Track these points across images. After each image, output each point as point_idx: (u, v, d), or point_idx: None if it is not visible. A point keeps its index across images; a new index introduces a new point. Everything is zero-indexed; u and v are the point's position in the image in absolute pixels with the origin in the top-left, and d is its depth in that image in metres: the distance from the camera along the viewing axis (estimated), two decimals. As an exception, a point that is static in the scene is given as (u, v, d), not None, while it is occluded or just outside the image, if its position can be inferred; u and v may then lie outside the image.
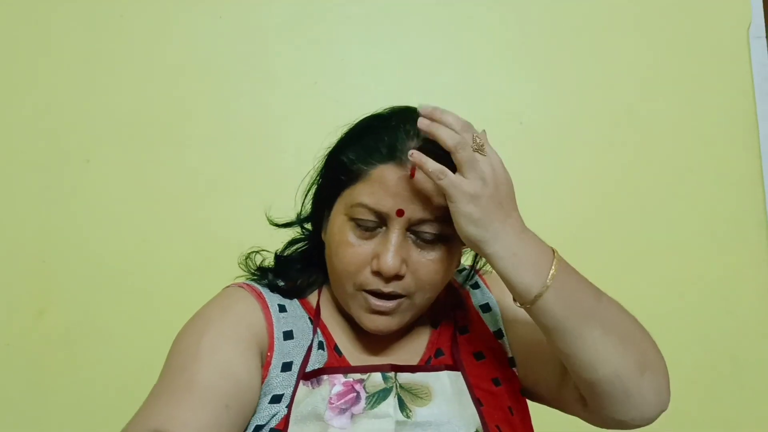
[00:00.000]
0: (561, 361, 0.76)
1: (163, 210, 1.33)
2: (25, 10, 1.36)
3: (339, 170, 0.77)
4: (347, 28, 1.40)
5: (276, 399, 0.76)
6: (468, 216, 0.70)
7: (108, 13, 1.37)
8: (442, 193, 0.71)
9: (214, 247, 1.30)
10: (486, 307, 0.88)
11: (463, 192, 0.69)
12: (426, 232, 0.75)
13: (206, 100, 1.37)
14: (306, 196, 0.85)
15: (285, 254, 0.87)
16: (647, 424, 0.76)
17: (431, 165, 0.69)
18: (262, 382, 0.77)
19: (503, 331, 0.86)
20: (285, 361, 0.78)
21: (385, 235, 0.74)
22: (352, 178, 0.76)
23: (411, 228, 0.74)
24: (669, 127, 1.42)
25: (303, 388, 0.76)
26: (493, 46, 1.43)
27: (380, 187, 0.73)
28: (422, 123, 0.71)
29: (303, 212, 0.86)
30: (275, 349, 0.78)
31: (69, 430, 1.32)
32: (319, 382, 0.76)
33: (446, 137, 0.69)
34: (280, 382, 0.77)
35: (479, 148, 0.70)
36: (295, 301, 0.84)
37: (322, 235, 0.82)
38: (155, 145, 1.35)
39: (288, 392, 0.76)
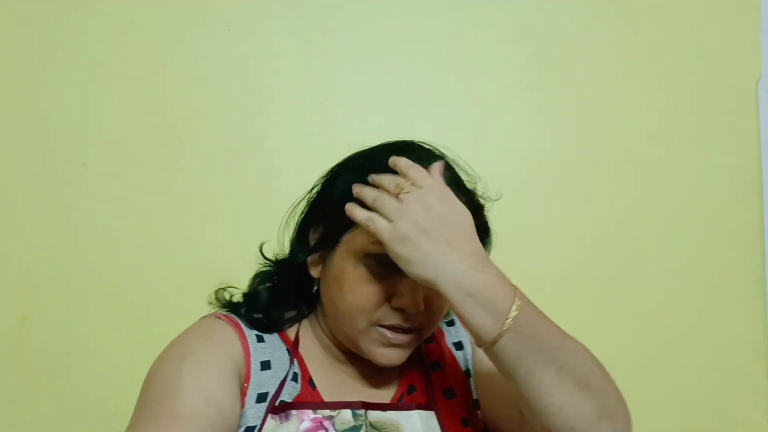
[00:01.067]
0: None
1: (157, 224, 1.31)
2: (27, 16, 1.36)
3: (343, 213, 0.76)
4: (356, 54, 1.40)
5: (250, 429, 0.74)
6: (401, 258, 0.69)
7: (114, 21, 1.36)
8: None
9: (208, 263, 1.28)
10: (459, 345, 0.89)
11: (390, 234, 0.69)
12: None
13: (207, 114, 1.36)
14: (295, 228, 0.85)
15: (254, 289, 0.87)
16: None
17: (359, 214, 0.71)
18: (240, 414, 0.76)
19: (471, 371, 0.86)
20: (260, 391, 0.77)
21: (404, 274, 0.72)
22: (352, 222, 0.75)
23: None
24: (672, 178, 1.40)
25: (271, 421, 0.75)
26: (497, 84, 1.42)
27: None
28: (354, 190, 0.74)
29: (291, 246, 0.86)
30: (252, 379, 0.77)
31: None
32: (287, 417, 0.75)
33: (366, 196, 0.72)
34: (254, 413, 0.75)
35: (400, 190, 0.70)
36: (274, 334, 0.84)
37: (313, 272, 0.82)
38: (152, 157, 1.34)
39: (259, 424, 0.75)
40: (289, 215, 0.85)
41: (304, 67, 1.39)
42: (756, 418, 1.34)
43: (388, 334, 0.75)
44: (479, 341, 0.70)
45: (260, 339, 0.82)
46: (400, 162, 0.73)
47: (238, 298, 0.87)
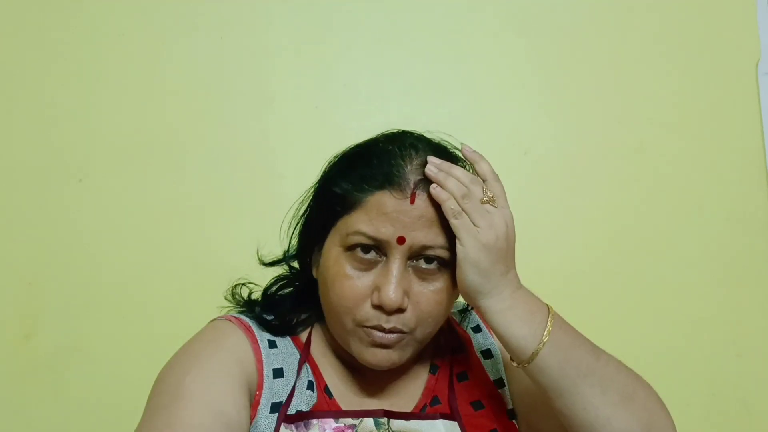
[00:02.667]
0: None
1: (157, 233, 1.29)
2: (23, 26, 1.34)
3: (332, 200, 0.74)
4: (352, 54, 1.39)
5: None
6: (476, 264, 0.69)
7: (108, 32, 1.35)
8: (445, 220, 0.69)
9: (209, 271, 1.27)
10: (487, 353, 0.85)
11: (476, 238, 0.69)
12: (428, 261, 0.72)
13: (204, 121, 1.35)
14: (293, 232, 0.82)
15: (273, 291, 0.84)
16: None
17: (451, 203, 0.69)
18: (251, 423, 0.73)
19: (504, 381, 0.83)
20: (274, 401, 0.74)
21: (386, 266, 0.71)
22: (346, 207, 0.72)
23: (412, 257, 0.71)
24: (678, 164, 1.40)
25: (286, 431, 0.72)
26: (500, 76, 1.41)
27: (378, 213, 0.70)
28: (430, 170, 0.70)
29: (290, 249, 0.83)
30: (264, 387, 0.74)
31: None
32: (307, 426, 0.72)
33: (453, 187, 0.69)
34: (269, 424, 0.72)
35: (490, 200, 0.70)
36: (287, 338, 0.80)
37: (314, 272, 0.79)
38: (151, 166, 1.32)
39: (269, 424, 0.72)
40: (292, 216, 0.82)
41: (302, 69, 1.37)
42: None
43: (374, 332, 0.72)
44: (518, 356, 0.70)
45: (272, 344, 0.79)
46: (485, 168, 0.73)
47: (256, 295, 0.85)
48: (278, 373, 0.76)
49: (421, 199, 0.71)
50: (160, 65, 1.36)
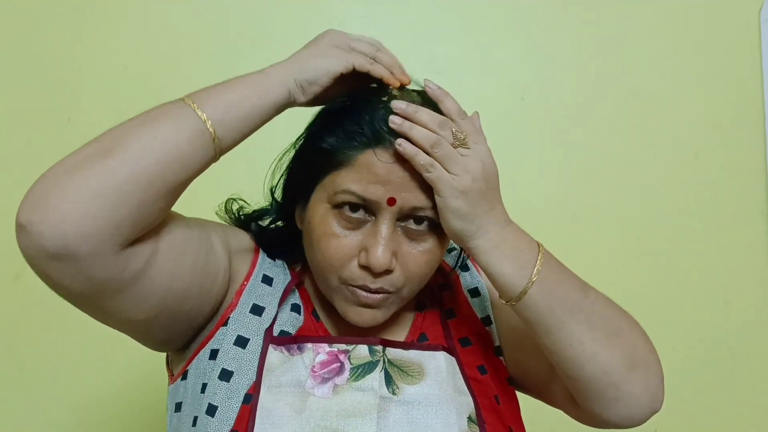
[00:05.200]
0: None
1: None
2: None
3: (319, 156, 0.72)
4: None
5: (241, 342, 0.72)
6: (456, 211, 0.68)
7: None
8: (396, 150, 0.67)
9: (198, 211, 1.27)
10: (475, 292, 0.84)
11: (452, 187, 0.67)
12: (418, 222, 0.71)
13: (193, 61, 1.33)
14: (277, 182, 0.80)
15: (260, 219, 0.83)
16: (637, 425, 0.73)
17: (421, 158, 0.67)
18: (230, 308, 0.74)
19: (492, 318, 0.83)
20: (256, 302, 0.75)
21: (375, 227, 0.70)
22: (334, 164, 0.70)
23: (401, 218, 0.70)
24: (676, 109, 1.38)
25: (275, 353, 0.72)
26: (498, 19, 1.38)
27: (368, 173, 0.68)
28: (394, 122, 0.67)
29: (273, 200, 0.82)
30: (251, 282, 0.76)
31: (45, 393, 1.29)
32: (301, 349, 0.73)
33: (420, 137, 0.67)
34: (246, 325, 0.73)
35: (461, 143, 0.68)
36: (283, 263, 0.81)
37: (298, 224, 0.78)
38: (140, 103, 1.27)
39: (255, 341, 0.73)
40: (276, 164, 0.80)
41: (295, 8, 1.34)
42: (761, 347, 1.35)
43: (359, 292, 0.71)
44: (507, 294, 0.70)
45: (271, 257, 0.80)
46: (451, 106, 0.70)
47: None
48: (267, 279, 0.77)
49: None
50: (150, 3, 1.33)
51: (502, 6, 1.38)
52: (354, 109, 0.72)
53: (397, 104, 0.68)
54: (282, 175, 0.80)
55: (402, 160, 0.68)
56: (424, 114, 0.68)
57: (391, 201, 0.68)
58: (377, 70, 0.71)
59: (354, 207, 0.70)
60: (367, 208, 0.70)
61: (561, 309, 0.69)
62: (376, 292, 0.71)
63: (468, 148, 0.68)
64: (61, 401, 1.29)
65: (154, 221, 0.64)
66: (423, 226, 0.71)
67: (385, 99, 0.71)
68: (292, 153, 0.79)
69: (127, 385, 1.28)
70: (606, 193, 1.37)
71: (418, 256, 0.72)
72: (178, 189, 0.65)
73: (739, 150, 1.38)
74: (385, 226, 0.69)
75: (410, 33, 1.37)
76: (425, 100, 0.72)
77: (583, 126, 1.38)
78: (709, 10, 1.40)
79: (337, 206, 0.70)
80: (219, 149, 0.66)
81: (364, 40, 0.74)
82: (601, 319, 0.71)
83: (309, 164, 0.74)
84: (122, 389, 1.29)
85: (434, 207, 0.69)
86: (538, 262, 0.69)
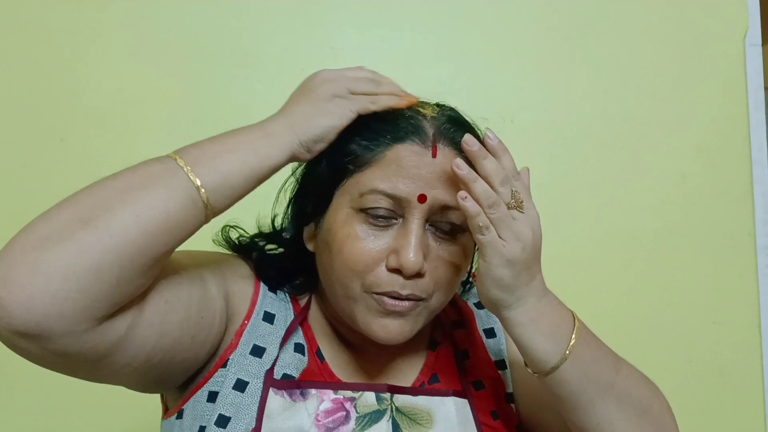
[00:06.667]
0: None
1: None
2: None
3: (341, 157, 0.67)
4: (339, 15, 1.36)
5: (240, 386, 0.68)
6: (499, 280, 0.63)
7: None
8: (457, 202, 0.63)
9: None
10: (490, 333, 0.80)
11: (501, 254, 0.62)
12: (448, 222, 0.66)
13: (187, 82, 1.32)
14: (289, 202, 0.75)
15: (263, 245, 0.78)
16: None
17: (481, 220, 0.61)
18: (229, 349, 0.69)
19: (506, 364, 0.78)
20: (257, 343, 0.70)
21: (404, 227, 0.65)
22: (359, 164, 0.66)
23: (431, 218, 0.66)
24: (663, 132, 1.39)
25: (276, 398, 0.67)
26: (488, 42, 1.39)
27: (397, 169, 0.64)
28: (456, 166, 0.62)
29: (282, 220, 0.77)
30: (251, 322, 0.70)
31: (33, 409, 1.27)
32: (305, 396, 0.68)
33: (481, 193, 0.62)
34: (246, 367, 0.69)
35: (518, 206, 0.63)
36: (286, 296, 0.75)
37: (308, 245, 0.73)
38: (133, 126, 1.30)
39: (254, 385, 0.68)
40: (281, 189, 0.76)
41: (288, 30, 1.35)
42: (750, 367, 1.35)
43: (386, 300, 0.65)
44: (537, 367, 0.66)
45: (272, 290, 0.74)
46: (510, 164, 0.65)
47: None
48: (268, 317, 0.72)
49: (443, 153, 0.66)
50: (144, 24, 1.32)
51: (492, 30, 1.39)
52: (381, 113, 0.68)
53: (468, 140, 0.63)
54: (292, 193, 0.75)
55: (433, 154, 0.65)
56: (491, 164, 0.63)
57: (422, 198, 0.64)
58: (382, 106, 0.68)
59: (382, 207, 0.65)
60: (396, 207, 0.66)
61: (592, 387, 0.65)
62: (407, 299, 0.66)
63: (522, 213, 0.64)
64: (53, 424, 1.28)
65: (135, 294, 0.59)
66: (451, 228, 0.67)
67: (415, 110, 0.68)
68: (302, 169, 0.74)
69: (122, 410, 1.26)
70: (595, 214, 1.38)
71: (448, 260, 0.67)
72: (163, 258, 0.60)
73: (726, 172, 1.39)
74: (416, 225, 0.65)
75: (401, 56, 1.38)
76: (455, 120, 0.69)
77: (572, 148, 1.39)
78: (696, 35, 1.41)
79: (363, 209, 0.66)
80: (210, 215, 0.62)
81: (360, 77, 0.70)
82: (631, 398, 0.68)
83: (329, 168, 0.69)
84: (116, 414, 1.27)
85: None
86: (573, 337, 0.65)
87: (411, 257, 0.64)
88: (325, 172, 0.70)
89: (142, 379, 0.66)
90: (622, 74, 1.40)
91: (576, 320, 0.67)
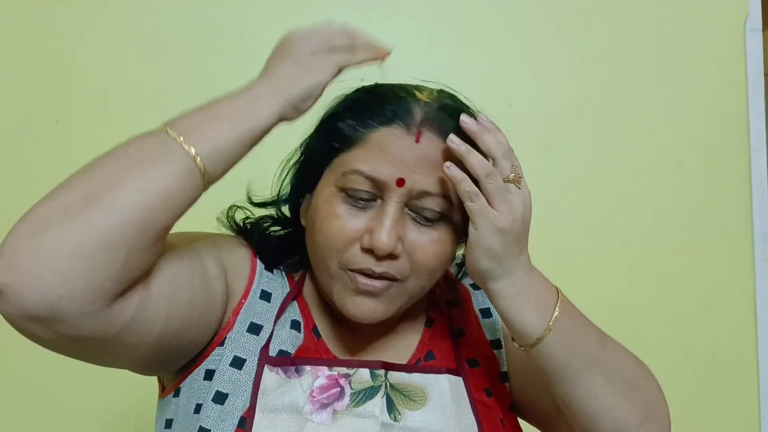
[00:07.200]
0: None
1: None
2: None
3: (332, 136, 0.69)
4: (335, 4, 1.35)
5: (237, 363, 0.69)
6: (489, 250, 0.65)
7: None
8: (444, 172, 0.64)
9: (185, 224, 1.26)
10: (486, 312, 0.81)
11: (492, 224, 0.64)
12: (427, 209, 0.67)
13: (182, 66, 1.32)
14: (284, 177, 0.77)
15: (266, 226, 0.79)
16: None
17: (466, 185, 0.63)
18: (226, 328, 0.70)
19: (502, 343, 0.79)
20: (254, 321, 0.71)
21: (381, 209, 0.66)
22: (346, 144, 0.68)
23: (411, 202, 0.67)
24: (661, 120, 1.39)
25: (271, 375, 0.69)
26: (486, 28, 1.39)
27: (380, 152, 0.65)
28: (451, 141, 0.64)
29: (280, 193, 0.78)
30: (248, 300, 0.72)
31: (29, 401, 1.28)
32: (299, 372, 0.69)
33: (475, 164, 0.64)
34: (243, 344, 0.70)
35: (516, 180, 0.65)
36: (282, 274, 0.77)
37: (302, 220, 0.74)
38: (129, 112, 1.29)
39: (251, 362, 0.69)
40: (284, 166, 0.77)
41: (284, 19, 1.34)
42: (745, 358, 1.36)
43: (359, 278, 0.67)
44: (522, 340, 0.67)
45: (269, 269, 0.75)
46: (505, 142, 0.66)
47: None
48: (265, 295, 0.73)
49: (428, 139, 0.67)
50: (141, 8, 1.32)
51: (490, 14, 1.38)
52: (376, 92, 0.70)
53: (466, 119, 0.65)
54: (291, 167, 0.77)
55: (417, 139, 0.66)
56: (492, 139, 0.65)
57: (401, 182, 0.65)
58: (361, 59, 0.68)
59: (362, 188, 0.66)
60: (375, 189, 0.67)
61: (578, 360, 0.67)
62: (381, 277, 0.67)
63: (519, 188, 0.65)
64: (46, 408, 1.29)
65: (144, 270, 0.60)
66: (432, 215, 0.68)
67: (411, 87, 0.69)
68: (302, 146, 0.76)
69: (116, 393, 1.27)
70: (591, 200, 1.38)
71: (427, 245, 0.68)
72: (166, 232, 0.61)
73: (724, 159, 1.39)
74: (392, 207, 0.66)
75: (399, 42, 1.36)
76: (447, 107, 0.70)
77: (569, 133, 1.39)
78: (696, 19, 1.41)
79: (344, 188, 0.67)
80: (208, 182, 0.62)
81: (335, 33, 0.69)
82: (618, 373, 0.69)
83: (321, 146, 0.71)
84: (110, 398, 1.28)
85: (444, 196, 0.67)
86: (557, 310, 0.66)
87: (383, 238, 0.65)
88: (317, 148, 0.72)
89: (150, 361, 0.67)
90: (620, 59, 1.40)
91: (560, 294, 0.68)
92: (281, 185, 0.78)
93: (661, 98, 1.39)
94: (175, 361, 0.70)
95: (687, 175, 1.38)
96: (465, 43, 1.38)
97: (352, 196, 0.67)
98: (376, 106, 0.68)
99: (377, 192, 0.67)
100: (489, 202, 0.64)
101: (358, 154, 0.67)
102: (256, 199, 0.79)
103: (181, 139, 0.60)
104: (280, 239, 0.79)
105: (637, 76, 1.39)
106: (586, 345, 0.68)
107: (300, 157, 0.76)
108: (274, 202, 0.79)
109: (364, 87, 0.73)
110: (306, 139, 0.76)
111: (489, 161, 0.66)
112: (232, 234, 0.78)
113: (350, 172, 0.67)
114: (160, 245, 0.60)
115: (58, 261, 0.53)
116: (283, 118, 0.66)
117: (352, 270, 0.68)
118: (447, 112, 0.69)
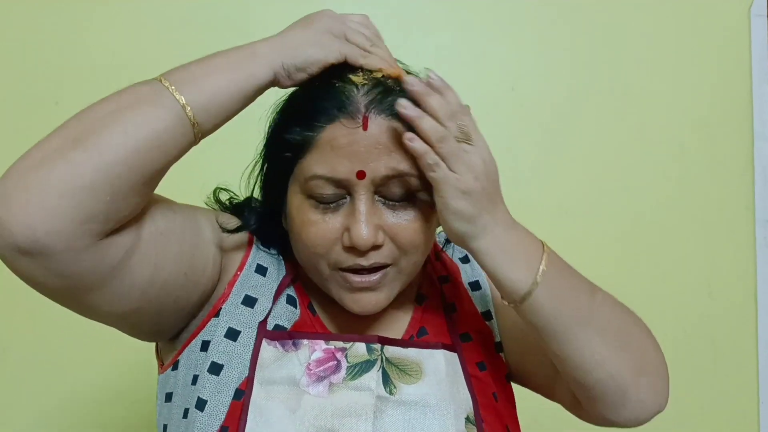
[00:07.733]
0: None
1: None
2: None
3: (283, 148, 0.68)
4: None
5: (232, 334, 0.70)
6: (458, 212, 0.64)
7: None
8: (405, 145, 0.64)
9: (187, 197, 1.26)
10: (475, 285, 0.81)
11: (455, 187, 0.63)
12: (395, 191, 0.67)
13: (184, 52, 1.28)
14: (254, 184, 0.76)
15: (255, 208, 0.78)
16: (641, 424, 0.72)
17: (429, 157, 0.63)
18: (221, 299, 0.72)
19: (492, 314, 0.79)
20: (248, 293, 0.72)
21: (352, 205, 0.66)
22: (299, 152, 0.67)
23: (377, 190, 0.66)
24: (663, 106, 1.38)
25: (269, 348, 0.69)
26: (489, 11, 1.38)
27: (332, 151, 0.65)
28: (402, 106, 0.63)
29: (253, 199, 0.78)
30: (243, 273, 0.72)
31: (30, 382, 1.28)
32: (297, 346, 0.70)
33: (428, 128, 0.63)
34: (239, 315, 0.71)
35: (466, 138, 0.64)
36: (278, 255, 0.77)
37: (283, 223, 0.74)
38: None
39: (247, 334, 0.70)
40: (251, 172, 0.76)
41: (290, 8, 1.32)
42: (744, 343, 1.37)
43: (352, 277, 0.67)
44: (510, 296, 0.66)
45: (265, 246, 0.76)
46: (454, 100, 0.65)
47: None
48: (261, 270, 0.74)
49: (376, 122, 0.65)
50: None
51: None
52: (308, 92, 0.68)
53: (412, 81, 0.64)
54: (256, 177, 0.76)
55: (364, 126, 0.64)
56: (436, 100, 0.64)
57: (361, 174, 0.65)
58: (368, 64, 0.68)
59: (326, 192, 0.66)
60: (339, 188, 0.66)
61: (568, 313, 0.66)
62: (371, 270, 0.68)
63: (471, 145, 0.64)
64: (48, 390, 1.29)
65: (132, 213, 0.61)
66: (401, 195, 0.67)
67: (341, 72, 0.67)
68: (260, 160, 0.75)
69: (116, 374, 1.28)
70: (593, 184, 1.37)
71: (406, 225, 0.68)
72: (155, 177, 0.62)
73: (726, 144, 1.39)
74: (361, 202, 0.66)
75: (401, 25, 1.36)
76: (387, 86, 0.67)
77: (572, 118, 1.38)
78: (700, 5, 1.40)
79: (311, 195, 0.67)
80: (199, 134, 0.63)
81: (361, 31, 0.70)
82: (609, 325, 0.68)
83: (276, 159, 0.71)
84: (110, 378, 1.29)
85: (410, 173, 0.66)
86: (542, 263, 0.66)
87: (363, 234, 0.65)
88: (273, 163, 0.72)
89: (138, 317, 0.68)
90: (624, 45, 1.39)
91: (545, 248, 0.68)
92: (251, 192, 0.78)
93: (665, 84, 1.39)
94: (165, 323, 0.71)
95: (690, 161, 1.38)
96: (468, 27, 1.37)
97: (320, 201, 0.67)
98: (314, 104, 0.67)
99: (342, 190, 0.67)
100: (448, 167, 0.63)
101: (313, 158, 0.66)
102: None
103: (173, 88, 0.61)
104: (271, 222, 0.78)
105: (641, 62, 1.39)
106: (575, 297, 0.67)
107: (261, 170, 0.75)
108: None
109: (296, 88, 0.71)
110: (262, 150, 0.75)
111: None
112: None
113: (310, 178, 0.66)
114: (149, 189, 0.62)
115: (45, 198, 0.56)
116: (275, 81, 0.66)
117: (343, 269, 0.68)
118: (388, 85, 0.67)
